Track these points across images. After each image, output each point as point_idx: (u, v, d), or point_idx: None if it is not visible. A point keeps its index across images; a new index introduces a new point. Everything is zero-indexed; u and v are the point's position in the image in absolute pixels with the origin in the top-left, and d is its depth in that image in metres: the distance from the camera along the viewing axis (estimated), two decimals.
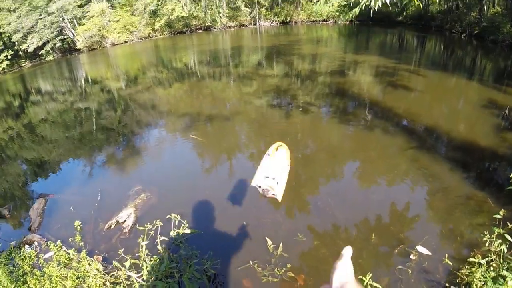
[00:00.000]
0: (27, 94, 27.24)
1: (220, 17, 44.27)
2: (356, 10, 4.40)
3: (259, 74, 17.85)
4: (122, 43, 47.89)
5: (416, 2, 25.31)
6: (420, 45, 26.44)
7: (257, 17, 45.17)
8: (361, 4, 4.40)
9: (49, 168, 11.56)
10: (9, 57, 59.83)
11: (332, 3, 43.55)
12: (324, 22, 43.98)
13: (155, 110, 15.44)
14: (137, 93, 19.29)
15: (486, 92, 13.19)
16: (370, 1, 4.22)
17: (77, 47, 50.45)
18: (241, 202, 7.33)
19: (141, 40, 47.93)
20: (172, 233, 5.17)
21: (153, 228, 5.01)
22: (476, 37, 25.76)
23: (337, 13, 43.32)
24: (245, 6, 44.00)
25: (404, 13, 39.36)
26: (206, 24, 44.91)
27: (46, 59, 55.03)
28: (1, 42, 57.89)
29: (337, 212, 6.62)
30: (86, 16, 49.46)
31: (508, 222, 4.41)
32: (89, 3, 51.07)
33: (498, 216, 4.32)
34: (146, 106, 16.36)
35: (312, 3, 45.09)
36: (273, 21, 45.38)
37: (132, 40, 48.11)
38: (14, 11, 53.10)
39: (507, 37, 22.29)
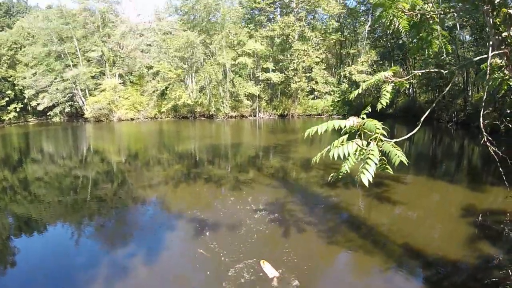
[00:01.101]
0: (28, 151, 27.71)
1: (224, 107, 46.56)
2: (358, 91, 4.90)
3: (254, 183, 15.74)
4: (128, 120, 49.77)
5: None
6: (408, 138, 26.65)
7: (257, 109, 47.47)
8: (351, 97, 4.91)
9: (35, 227, 11.69)
10: (18, 109, 61.58)
11: (326, 99, 46.60)
12: (319, 116, 46.36)
13: (152, 190, 15.68)
14: (136, 170, 19.76)
15: (464, 195, 13.52)
16: (356, 93, 4.75)
17: (85, 115, 52.15)
18: None
19: (147, 119, 49.82)
20: None
21: None
22: (462, 124, 26.64)
23: (331, 108, 46.20)
24: (247, 99, 46.30)
25: (394, 106, 41.73)
26: (210, 113, 46.91)
27: (52, 119, 56.72)
28: (13, 93, 59.88)
29: None
30: (98, 88, 51.72)
31: None
32: (103, 77, 53.66)
33: None
34: (144, 184, 16.62)
35: (308, 98, 47.83)
36: (271, 113, 47.70)
37: (138, 118, 50.01)
38: (31, 67, 55.55)
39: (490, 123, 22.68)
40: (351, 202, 12.83)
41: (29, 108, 62.01)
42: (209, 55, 47.24)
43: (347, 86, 46.18)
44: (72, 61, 53.86)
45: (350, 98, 5.59)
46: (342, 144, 3.83)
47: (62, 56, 54.63)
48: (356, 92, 4.82)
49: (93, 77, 53.54)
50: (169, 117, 49.47)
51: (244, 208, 12.07)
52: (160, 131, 39.13)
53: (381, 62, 46.28)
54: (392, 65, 48.50)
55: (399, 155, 3.61)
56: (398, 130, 31.68)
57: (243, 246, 9.15)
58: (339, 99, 45.74)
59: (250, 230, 10.10)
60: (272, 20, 47.74)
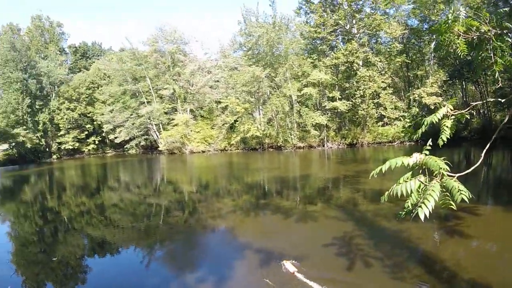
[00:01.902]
0: (106, 180, 29.34)
1: (291, 138, 46.42)
2: (420, 130, 4.88)
3: (322, 215, 15.21)
4: (200, 152, 51.39)
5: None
6: (486, 161, 24.96)
7: (325, 139, 46.63)
8: (425, 124, 4.82)
9: (108, 249, 12.29)
10: (96, 142, 66.79)
11: (396, 125, 44.65)
12: (390, 144, 44.34)
13: (222, 220, 15.80)
14: (206, 199, 20.13)
15: None
16: (430, 121, 4.68)
17: (159, 148, 55.09)
18: None
19: (217, 151, 51.08)
20: None
21: None
22: None
23: (402, 134, 43.83)
24: (314, 129, 45.63)
25: (468, 128, 39.02)
26: (278, 144, 47.03)
27: (129, 151, 60.66)
28: (92, 128, 64.83)
29: None
30: (171, 122, 54.52)
31: None
32: (175, 112, 56.43)
33: None
34: (213, 213, 16.84)
35: (378, 125, 46.20)
36: (340, 143, 46.45)
37: (209, 150, 51.51)
38: (108, 104, 59.93)
39: None
40: (420, 236, 11.96)
41: (107, 140, 67.02)
42: (274, 88, 47.92)
43: (417, 110, 44.40)
44: (146, 98, 57.56)
45: (414, 138, 5.61)
46: (406, 181, 3.88)
47: (137, 94, 58.46)
48: (420, 131, 4.84)
49: (166, 113, 56.75)
50: (239, 149, 50.25)
51: (311, 239, 11.89)
52: (230, 162, 39.76)
53: (451, 81, 44.50)
54: (463, 84, 46.67)
55: (461, 192, 3.58)
56: (475, 154, 29.47)
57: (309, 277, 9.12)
58: (409, 124, 43.74)
59: (316, 263, 9.91)
60: (335, 48, 47.22)
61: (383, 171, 3.91)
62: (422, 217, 3.48)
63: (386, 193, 4.04)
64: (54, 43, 73.42)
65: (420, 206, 3.53)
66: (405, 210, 4.09)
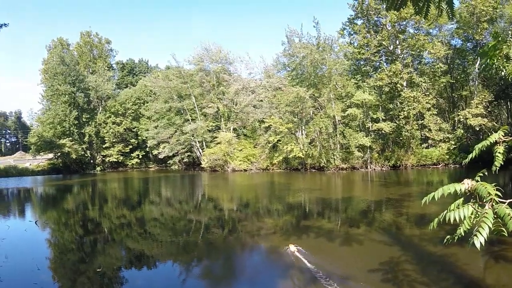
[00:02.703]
0: (147, 194, 29.76)
1: (334, 159, 45.65)
2: (471, 156, 4.80)
3: (365, 239, 15.08)
4: (242, 171, 51.47)
5: None
6: None
7: (368, 161, 45.67)
8: (475, 150, 4.76)
9: (145, 262, 12.27)
10: (140, 156, 68.62)
11: (441, 147, 43.34)
12: (435, 166, 43.15)
13: (261, 239, 15.45)
14: (246, 218, 19.91)
15: None
16: (481, 147, 4.60)
17: (201, 165, 55.63)
18: None
19: (259, 170, 50.98)
20: None
21: None
22: None
23: (447, 157, 42.65)
24: (358, 150, 44.81)
25: None
26: (321, 165, 46.30)
27: (171, 167, 61.83)
28: (136, 142, 66.64)
29: None
30: (214, 140, 55.30)
31: None
32: (218, 130, 57.22)
33: None
34: (253, 232, 16.55)
35: (422, 147, 45.08)
36: (383, 165, 45.39)
37: (251, 169, 51.50)
38: (153, 120, 61.52)
39: None
40: (467, 261, 11.44)
41: (150, 155, 68.74)
42: (318, 108, 47.66)
43: (462, 132, 43.26)
44: (190, 116, 58.83)
45: (463, 163, 5.48)
46: (458, 208, 3.82)
47: (182, 111, 59.78)
48: (470, 156, 4.73)
49: (209, 131, 57.84)
50: (281, 169, 49.93)
51: (356, 263, 11.41)
52: (271, 182, 39.47)
53: (496, 102, 43.14)
54: (508, 104, 45.13)
55: None
56: None
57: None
58: (455, 146, 42.63)
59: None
60: (379, 69, 46.65)
61: (436, 198, 3.86)
62: (478, 245, 3.44)
63: (436, 219, 3.98)
64: (102, 59, 76.69)
65: (476, 235, 3.44)
66: (455, 235, 4.06)
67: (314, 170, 47.14)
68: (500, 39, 4.82)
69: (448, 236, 4.23)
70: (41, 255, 12.80)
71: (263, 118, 52.20)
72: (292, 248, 11.74)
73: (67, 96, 62.10)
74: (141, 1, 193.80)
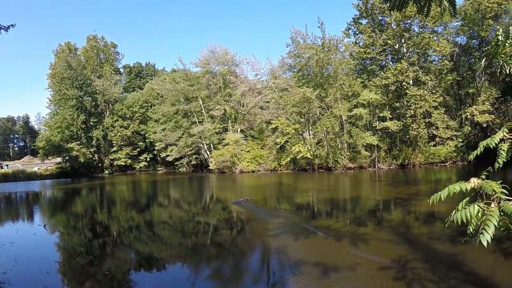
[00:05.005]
0: (156, 196, 29.86)
1: (342, 158, 45.48)
2: (475, 153, 4.79)
3: (374, 238, 14.02)
4: (249, 172, 51.51)
5: None
6: None
7: (376, 160, 45.59)
8: (480, 147, 4.76)
9: (154, 264, 12.33)
10: (148, 159, 68.86)
11: (448, 144, 43.13)
12: (442, 164, 43.06)
13: (270, 239, 15.36)
14: (254, 219, 19.87)
15: None
16: (486, 144, 4.58)
17: (209, 167, 55.93)
18: None
19: (267, 171, 50.98)
20: None
21: None
22: None
23: (455, 154, 42.63)
24: (365, 149, 44.74)
25: None
26: (328, 165, 46.18)
27: (179, 169, 62.06)
28: (144, 145, 66.95)
29: None
30: (222, 142, 55.45)
31: None
32: (226, 132, 57.44)
33: None
34: (261, 233, 16.52)
35: (430, 145, 44.83)
36: (391, 163, 45.30)
37: (259, 170, 51.54)
38: (161, 123, 61.75)
39: None
40: (475, 259, 11.38)
41: (158, 158, 69.07)
42: (325, 108, 47.60)
43: (469, 129, 43.22)
44: (197, 118, 59.01)
45: (470, 159, 5.44)
46: (465, 208, 3.83)
47: (189, 113, 60.00)
48: (475, 153, 4.73)
49: (217, 133, 57.92)
50: (288, 169, 49.86)
51: (366, 262, 11.35)
52: (279, 183, 39.40)
53: (503, 98, 42.80)
54: None
55: None
56: None
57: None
58: (462, 143, 42.54)
59: (375, 287, 9.52)
60: (385, 68, 46.56)
61: (443, 199, 3.90)
62: (485, 243, 3.43)
63: (447, 219, 4.02)
64: (109, 63, 76.82)
65: (482, 233, 3.44)
66: (469, 236, 4.01)
67: (322, 170, 47.05)
68: (503, 34, 4.79)
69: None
70: (50, 259, 12.91)
71: (270, 119, 52.20)
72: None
73: (74, 100, 62.48)
74: (148, 5, 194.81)
